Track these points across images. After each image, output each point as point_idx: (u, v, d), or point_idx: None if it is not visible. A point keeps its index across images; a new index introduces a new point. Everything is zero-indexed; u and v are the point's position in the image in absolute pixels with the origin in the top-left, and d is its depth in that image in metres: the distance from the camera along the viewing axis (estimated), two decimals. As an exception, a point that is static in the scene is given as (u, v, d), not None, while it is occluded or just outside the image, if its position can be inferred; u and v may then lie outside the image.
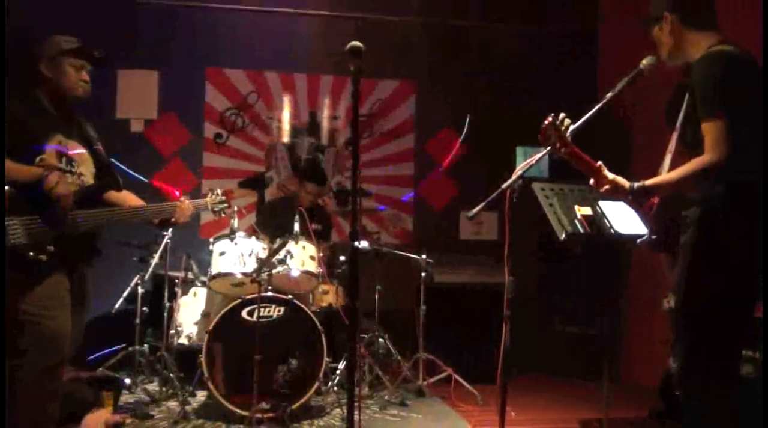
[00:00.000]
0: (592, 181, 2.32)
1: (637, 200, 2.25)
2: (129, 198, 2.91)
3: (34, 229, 2.52)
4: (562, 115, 2.31)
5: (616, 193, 2.26)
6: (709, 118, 2.08)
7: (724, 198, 2.12)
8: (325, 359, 3.91)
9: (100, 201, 2.78)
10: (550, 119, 2.28)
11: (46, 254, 2.53)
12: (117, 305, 4.43)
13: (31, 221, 2.52)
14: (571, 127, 2.32)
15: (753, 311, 2.20)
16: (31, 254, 2.50)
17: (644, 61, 2.40)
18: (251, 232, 4.23)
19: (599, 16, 6.25)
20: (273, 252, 3.85)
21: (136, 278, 4.45)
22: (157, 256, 4.38)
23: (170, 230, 4.36)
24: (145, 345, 4.47)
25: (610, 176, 2.27)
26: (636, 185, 2.21)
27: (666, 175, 2.21)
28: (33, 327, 2.54)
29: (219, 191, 3.26)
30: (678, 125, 2.27)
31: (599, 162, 2.31)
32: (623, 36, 5.58)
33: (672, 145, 2.31)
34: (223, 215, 3.30)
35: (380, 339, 4.74)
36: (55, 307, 2.60)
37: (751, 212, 2.13)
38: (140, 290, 4.42)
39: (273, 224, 4.76)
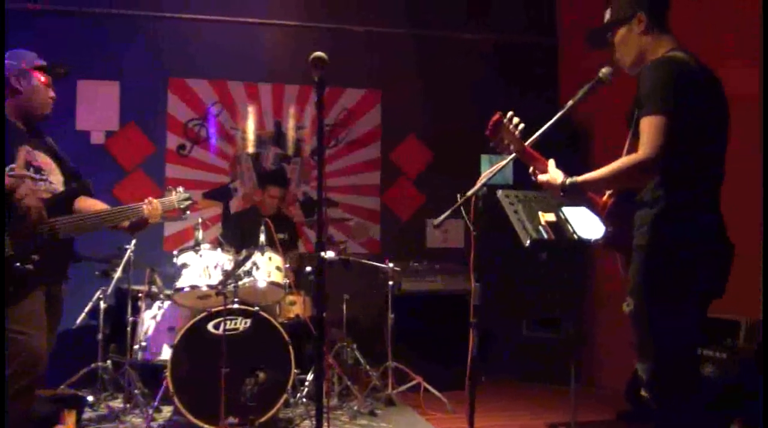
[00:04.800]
0: (531, 169, 2.34)
1: (568, 196, 2.26)
2: (96, 205, 2.89)
3: (17, 239, 2.50)
4: (510, 113, 2.33)
5: (550, 185, 2.28)
6: (647, 115, 2.10)
7: (670, 201, 2.15)
8: (293, 370, 3.88)
9: (72, 209, 2.77)
10: (498, 115, 2.30)
11: (32, 263, 2.51)
12: (78, 321, 4.34)
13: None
14: (532, 136, 2.35)
15: (706, 310, 2.25)
16: (18, 264, 2.47)
17: (603, 71, 2.43)
18: (216, 244, 4.18)
19: (559, 27, 6.38)
20: (239, 264, 3.81)
21: (98, 293, 4.37)
22: (119, 270, 4.30)
23: (133, 242, 4.28)
24: (108, 361, 4.37)
25: (551, 169, 2.29)
26: (568, 180, 2.23)
27: (598, 171, 2.20)
28: (14, 345, 2.49)
29: (181, 189, 3.27)
30: (632, 127, 2.30)
31: (550, 160, 2.34)
32: (583, 48, 5.69)
33: (627, 146, 2.34)
34: (188, 212, 3.29)
35: (349, 349, 4.72)
36: (35, 325, 2.57)
37: (697, 215, 2.18)
38: (102, 304, 4.33)
39: (239, 236, 4.72)
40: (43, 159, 2.76)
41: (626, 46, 2.35)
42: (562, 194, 2.24)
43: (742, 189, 3.74)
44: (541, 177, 2.29)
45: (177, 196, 3.22)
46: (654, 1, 2.32)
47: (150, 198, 3.00)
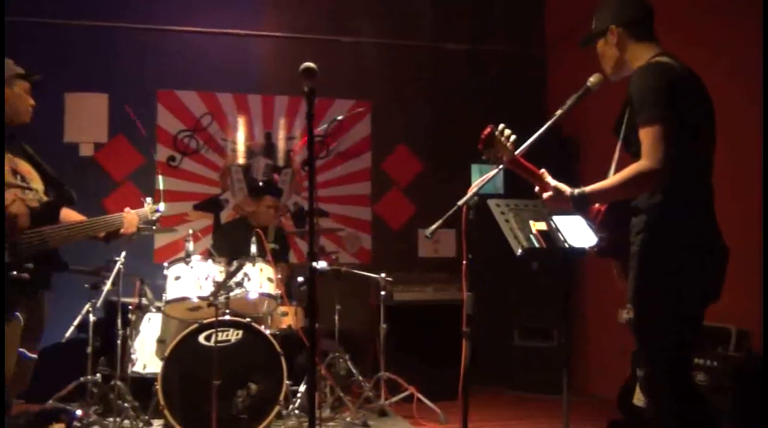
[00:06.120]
0: (537, 189, 2.37)
1: (578, 206, 2.28)
2: (72, 215, 2.87)
3: (10, 247, 2.48)
4: (501, 125, 2.35)
5: (558, 199, 2.30)
6: (645, 125, 2.14)
7: (665, 206, 2.18)
8: (286, 382, 3.86)
9: (59, 219, 2.74)
10: (490, 128, 2.32)
11: (27, 271, 2.50)
12: (68, 334, 4.29)
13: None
14: (522, 145, 2.36)
15: (703, 314, 2.26)
16: (15, 273, 2.46)
17: (591, 79, 2.46)
18: (207, 255, 4.16)
19: (546, 37, 6.43)
20: (230, 275, 3.80)
21: (87, 306, 4.32)
22: (109, 282, 4.25)
23: (123, 254, 4.24)
24: (98, 375, 4.32)
25: (553, 182, 2.31)
26: (576, 191, 2.25)
27: (605, 181, 2.24)
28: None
29: (149, 200, 3.34)
30: (621, 134, 2.33)
31: (542, 169, 2.36)
32: (571, 55, 5.74)
33: (617, 154, 2.37)
34: (158, 224, 3.36)
35: (341, 360, 4.70)
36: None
37: (693, 219, 2.20)
38: (92, 317, 4.28)
39: (230, 247, 4.69)
40: (24, 166, 2.73)
41: (604, 56, 2.45)
42: (571, 204, 2.26)
43: (742, 190, 3.79)
44: (548, 194, 2.30)
45: (149, 208, 3.27)
46: (628, 13, 2.37)
47: (128, 208, 3.07)
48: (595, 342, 5.50)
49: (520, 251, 2.63)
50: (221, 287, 3.75)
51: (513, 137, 2.34)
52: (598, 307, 5.41)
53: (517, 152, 2.35)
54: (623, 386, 4.07)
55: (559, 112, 2.44)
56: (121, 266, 4.24)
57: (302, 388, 4.30)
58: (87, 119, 5.63)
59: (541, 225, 2.72)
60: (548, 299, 5.26)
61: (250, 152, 5.99)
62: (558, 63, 6.24)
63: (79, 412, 4.13)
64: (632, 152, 2.25)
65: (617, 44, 2.38)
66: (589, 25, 2.52)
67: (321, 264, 4.25)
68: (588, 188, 2.24)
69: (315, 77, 2.25)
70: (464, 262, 2.49)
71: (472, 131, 2.43)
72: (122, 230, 2.99)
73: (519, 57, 6.39)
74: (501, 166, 2.38)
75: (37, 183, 2.76)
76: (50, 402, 4.16)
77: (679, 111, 2.14)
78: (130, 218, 3.01)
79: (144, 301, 4.42)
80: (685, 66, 2.28)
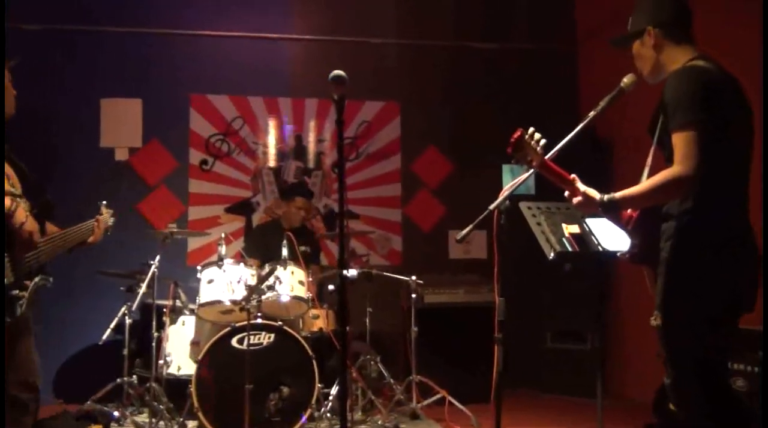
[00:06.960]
0: (566, 193, 2.33)
1: (608, 212, 2.24)
2: (53, 227, 2.71)
3: (15, 265, 2.39)
4: (531, 129, 2.32)
5: (587, 205, 2.26)
6: (679, 130, 2.09)
7: (696, 212, 2.13)
8: (317, 385, 3.87)
9: (44, 230, 2.60)
10: (519, 132, 2.30)
11: (25, 289, 2.41)
12: (104, 336, 4.37)
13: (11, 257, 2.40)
14: (553, 149, 2.33)
15: (736, 323, 2.20)
16: (15, 292, 2.37)
17: (625, 80, 2.42)
18: (239, 258, 4.19)
19: (577, 33, 6.35)
20: (262, 279, 3.83)
21: (123, 308, 4.40)
22: (144, 285, 4.32)
23: (157, 258, 4.29)
24: (134, 376, 4.40)
25: (582, 188, 2.28)
26: (606, 197, 2.21)
27: (636, 187, 2.19)
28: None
29: (105, 202, 3.15)
30: (655, 138, 2.28)
31: (573, 174, 2.32)
32: (603, 52, 5.65)
33: (650, 158, 2.32)
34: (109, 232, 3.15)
35: (372, 362, 4.70)
36: None
37: (724, 224, 2.15)
38: (128, 320, 4.36)
39: (261, 249, 4.73)
40: (8, 170, 2.54)
41: (641, 58, 2.39)
42: (600, 210, 2.22)
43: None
44: (577, 199, 2.27)
45: (107, 212, 3.10)
46: (666, 14, 2.31)
47: (98, 216, 2.94)
48: (631, 345, 5.40)
49: (552, 254, 2.60)
50: (253, 290, 3.79)
51: (543, 141, 2.30)
52: (634, 310, 5.31)
53: (548, 156, 2.32)
54: (659, 390, 3.99)
55: (591, 114, 2.40)
56: (155, 270, 4.31)
57: (334, 391, 4.31)
58: (122, 124, 5.73)
59: (574, 228, 2.68)
60: (582, 303, 5.19)
61: (280, 155, 6.03)
62: (590, 60, 6.14)
63: (116, 413, 4.21)
64: (666, 155, 2.21)
65: (654, 46, 2.32)
66: (622, 20, 2.47)
67: (351, 272, 4.23)
68: (618, 194, 2.20)
69: (344, 85, 2.25)
70: (495, 266, 2.47)
71: (503, 131, 2.40)
72: (90, 239, 2.85)
73: (550, 54, 6.31)
74: (531, 172, 2.35)
75: (17, 188, 2.56)
76: (88, 403, 4.24)
77: (713, 116, 2.08)
78: (100, 226, 2.89)
79: (178, 304, 4.49)
80: (722, 68, 2.22)
